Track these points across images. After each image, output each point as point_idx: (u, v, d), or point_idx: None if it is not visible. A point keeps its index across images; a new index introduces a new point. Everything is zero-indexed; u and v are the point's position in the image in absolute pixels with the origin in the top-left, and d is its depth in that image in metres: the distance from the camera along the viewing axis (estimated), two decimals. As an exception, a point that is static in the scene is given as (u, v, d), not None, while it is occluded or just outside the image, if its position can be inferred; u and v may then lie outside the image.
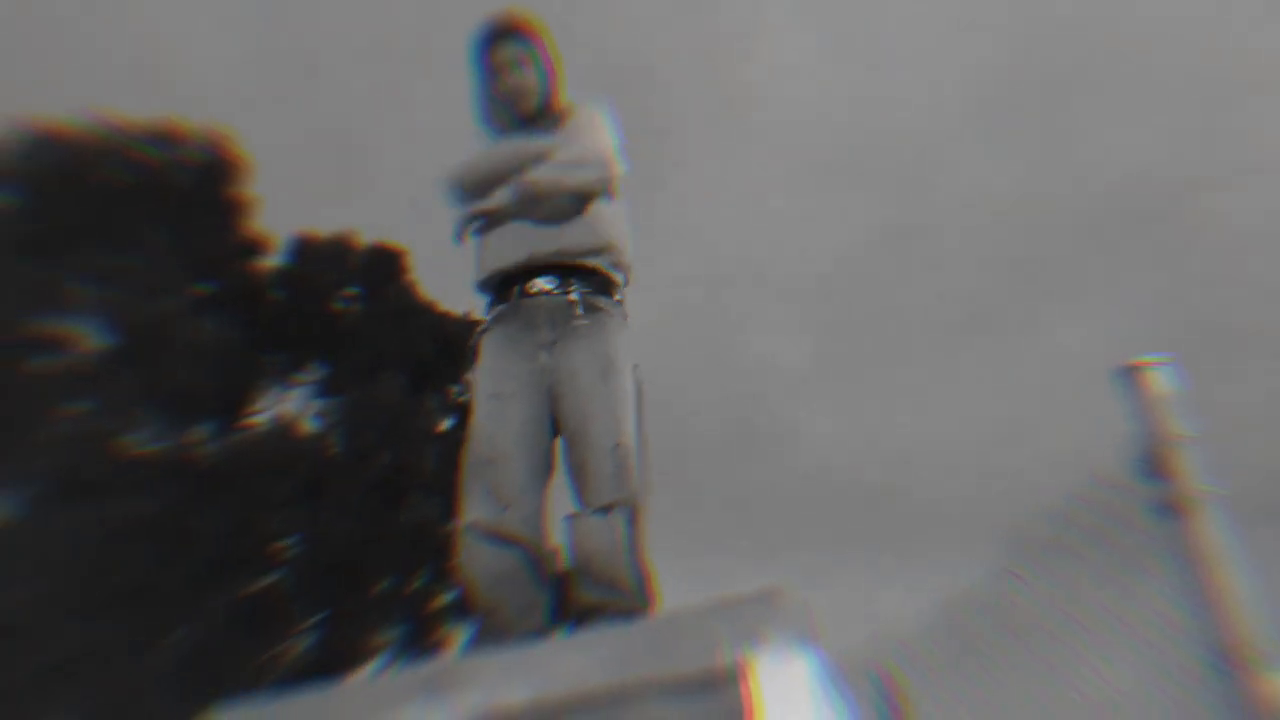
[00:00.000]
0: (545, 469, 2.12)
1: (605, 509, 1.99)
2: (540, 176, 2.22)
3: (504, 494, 2.02)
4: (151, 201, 12.15)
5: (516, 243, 2.24)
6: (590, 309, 2.19)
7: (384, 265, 13.64)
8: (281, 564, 12.23)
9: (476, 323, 2.33)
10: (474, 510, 2.03)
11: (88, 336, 11.82)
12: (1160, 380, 1.71)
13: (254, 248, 13.14)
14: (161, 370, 11.76)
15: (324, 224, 13.83)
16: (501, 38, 2.38)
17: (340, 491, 12.34)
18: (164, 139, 12.59)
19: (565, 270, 2.21)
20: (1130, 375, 1.77)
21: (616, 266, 2.29)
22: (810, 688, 1.12)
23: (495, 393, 2.13)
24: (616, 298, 2.27)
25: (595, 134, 2.32)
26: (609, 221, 2.29)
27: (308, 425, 13.07)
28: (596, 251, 2.26)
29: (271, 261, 13.37)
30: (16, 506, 10.85)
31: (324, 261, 13.47)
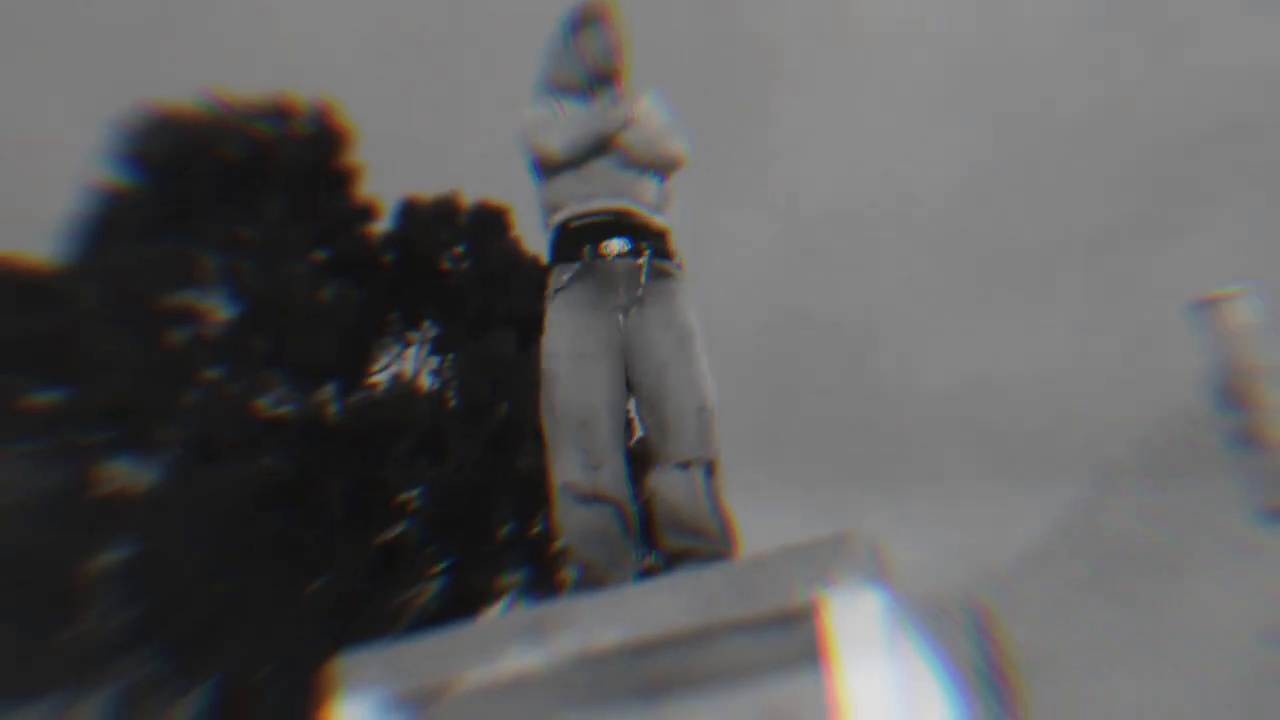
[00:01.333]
0: (626, 427, 2.18)
1: (685, 464, 2.06)
2: (634, 137, 2.28)
3: (595, 454, 2.08)
4: (268, 175, 12.65)
5: (585, 195, 2.27)
6: (661, 274, 2.22)
7: (488, 223, 13.86)
8: (408, 515, 12.72)
9: None
10: (568, 471, 2.09)
11: (218, 307, 12.47)
12: (1240, 312, 1.70)
13: (365, 213, 13.49)
14: (287, 335, 12.35)
15: (429, 186, 13.88)
16: (601, 9, 2.46)
17: (459, 443, 12.77)
18: (276, 114, 13.03)
19: (636, 230, 2.24)
20: (1209, 308, 1.75)
21: (673, 227, 2.34)
22: (881, 624, 1.18)
23: (580, 352, 2.14)
24: (678, 262, 2.29)
25: (668, 119, 2.38)
26: (669, 194, 2.35)
27: (425, 382, 13.47)
28: (661, 213, 2.30)
29: (382, 226, 13.73)
30: (161, 469, 11.55)
31: (431, 223, 13.73)
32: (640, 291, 2.16)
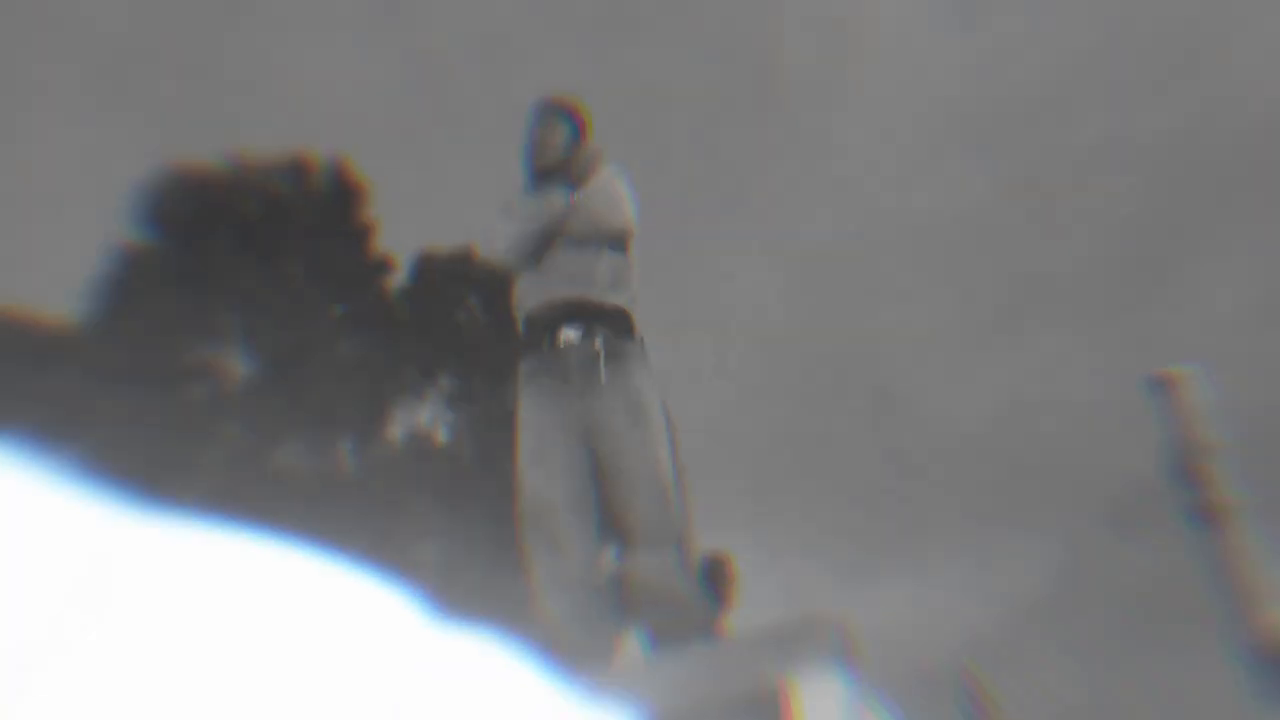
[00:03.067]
0: (593, 511, 2.21)
1: (653, 543, 2.11)
2: (576, 220, 2.38)
3: (560, 543, 2.14)
4: (286, 232, 12.74)
5: (542, 287, 2.37)
6: (614, 355, 2.28)
7: (504, 276, 13.80)
8: (424, 568, 12.28)
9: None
10: (537, 563, 2.16)
11: (236, 363, 12.49)
12: (1192, 390, 1.67)
13: (381, 268, 13.60)
14: (304, 390, 12.33)
15: (445, 239, 13.92)
16: (542, 108, 2.59)
17: (474, 496, 12.54)
18: (293, 172, 13.16)
19: (588, 314, 2.31)
20: (1163, 384, 1.70)
21: (631, 303, 2.40)
22: (846, 707, 1.21)
23: (540, 445, 2.23)
24: (637, 335, 2.36)
25: (613, 193, 2.45)
26: (622, 268, 2.41)
27: (441, 435, 13.45)
28: (613, 292, 2.37)
29: (398, 280, 13.82)
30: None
31: (446, 276, 13.80)
32: (594, 375, 2.23)
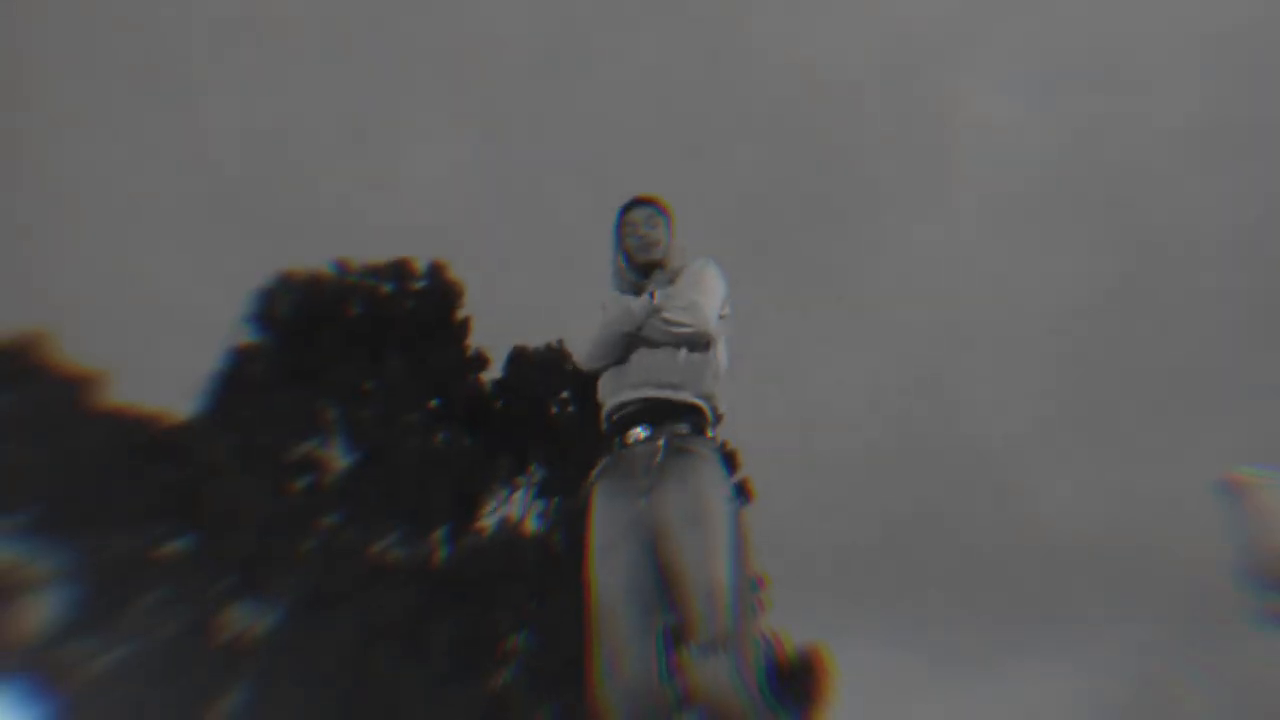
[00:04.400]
0: (655, 610, 2.19)
1: (710, 646, 2.06)
2: (653, 323, 2.38)
3: (617, 642, 2.14)
4: (387, 330, 13.20)
5: (619, 385, 2.38)
6: (679, 452, 2.27)
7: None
8: (516, 660, 12.53)
9: None
10: (598, 660, 2.16)
11: (337, 456, 12.83)
12: (1269, 494, 1.54)
13: (476, 362, 13.91)
14: (401, 481, 12.51)
15: (537, 336, 14.20)
16: (638, 205, 2.61)
17: (565, 588, 12.23)
18: (395, 274, 13.72)
19: (660, 412, 2.32)
20: (1237, 487, 1.59)
21: (706, 401, 2.37)
22: None
23: (604, 544, 2.24)
24: (709, 434, 2.34)
25: (701, 290, 2.45)
26: (700, 365, 2.39)
27: (532, 525, 13.46)
28: (687, 390, 2.36)
29: (492, 374, 14.11)
30: (279, 614, 11.64)
31: (538, 370, 14.00)
32: (662, 473, 2.23)
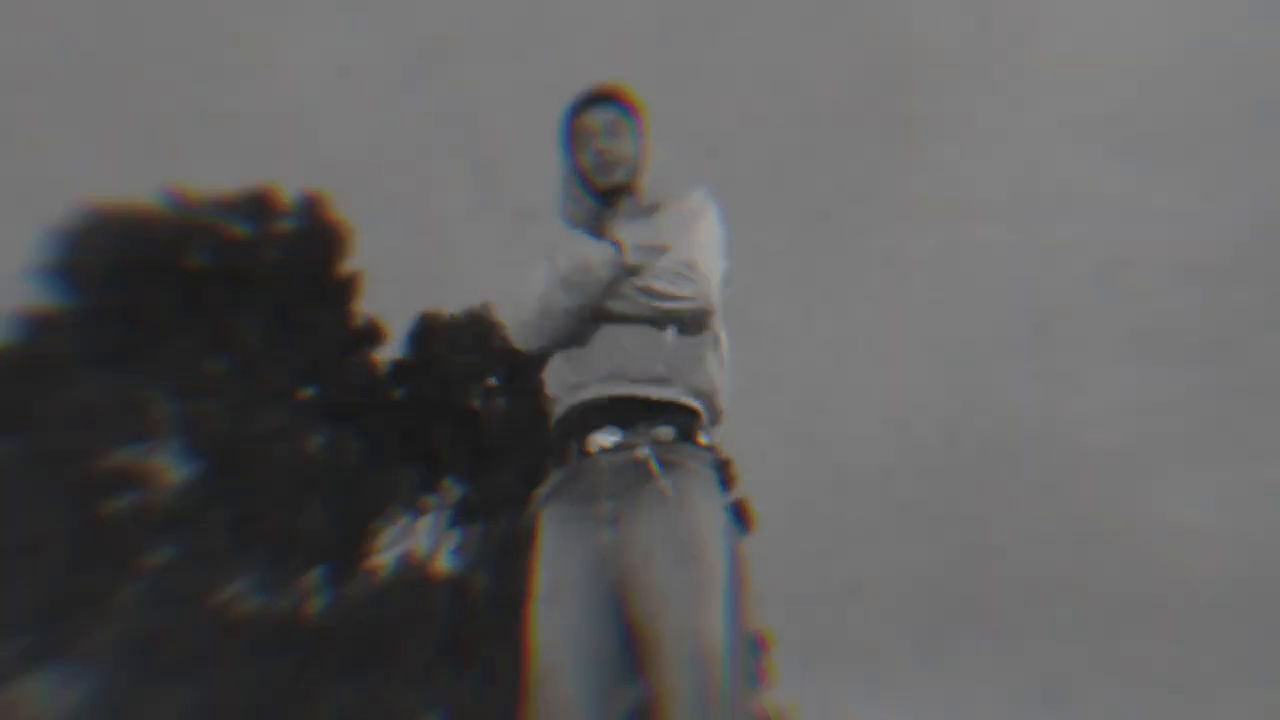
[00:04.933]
0: (617, 680, 2.18)
1: None
2: (621, 296, 2.33)
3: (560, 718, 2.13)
4: (240, 289, 12.73)
5: (576, 374, 2.36)
6: (666, 466, 2.24)
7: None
8: None
9: None
10: None
11: (170, 466, 12.34)
12: None
13: (366, 336, 13.57)
14: (261, 502, 12.14)
15: (451, 300, 13.95)
16: (595, 104, 2.55)
17: (492, 651, 12.29)
18: (252, 210, 13.23)
19: (632, 414, 2.30)
20: None
21: (701, 399, 2.36)
22: None
23: (551, 591, 2.22)
24: (703, 442, 2.31)
25: (699, 242, 2.41)
26: (695, 349, 2.37)
27: (444, 564, 13.36)
28: (676, 384, 2.33)
29: (389, 352, 13.84)
30: (94, 686, 11.31)
31: (455, 346, 13.79)
32: (638, 495, 2.21)
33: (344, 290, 13.48)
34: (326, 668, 11.84)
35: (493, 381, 14.12)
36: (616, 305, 2.34)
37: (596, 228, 2.49)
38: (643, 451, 2.25)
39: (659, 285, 2.33)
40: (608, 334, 2.36)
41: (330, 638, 12.14)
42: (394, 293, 14.03)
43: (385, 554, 13.30)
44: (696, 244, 2.40)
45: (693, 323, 2.36)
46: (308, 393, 13.05)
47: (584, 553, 2.23)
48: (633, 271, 2.34)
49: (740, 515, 2.33)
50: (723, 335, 2.45)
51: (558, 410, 2.40)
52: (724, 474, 2.32)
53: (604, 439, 2.28)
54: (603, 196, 2.52)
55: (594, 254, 2.36)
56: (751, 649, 2.26)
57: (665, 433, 2.28)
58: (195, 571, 11.90)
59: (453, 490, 13.79)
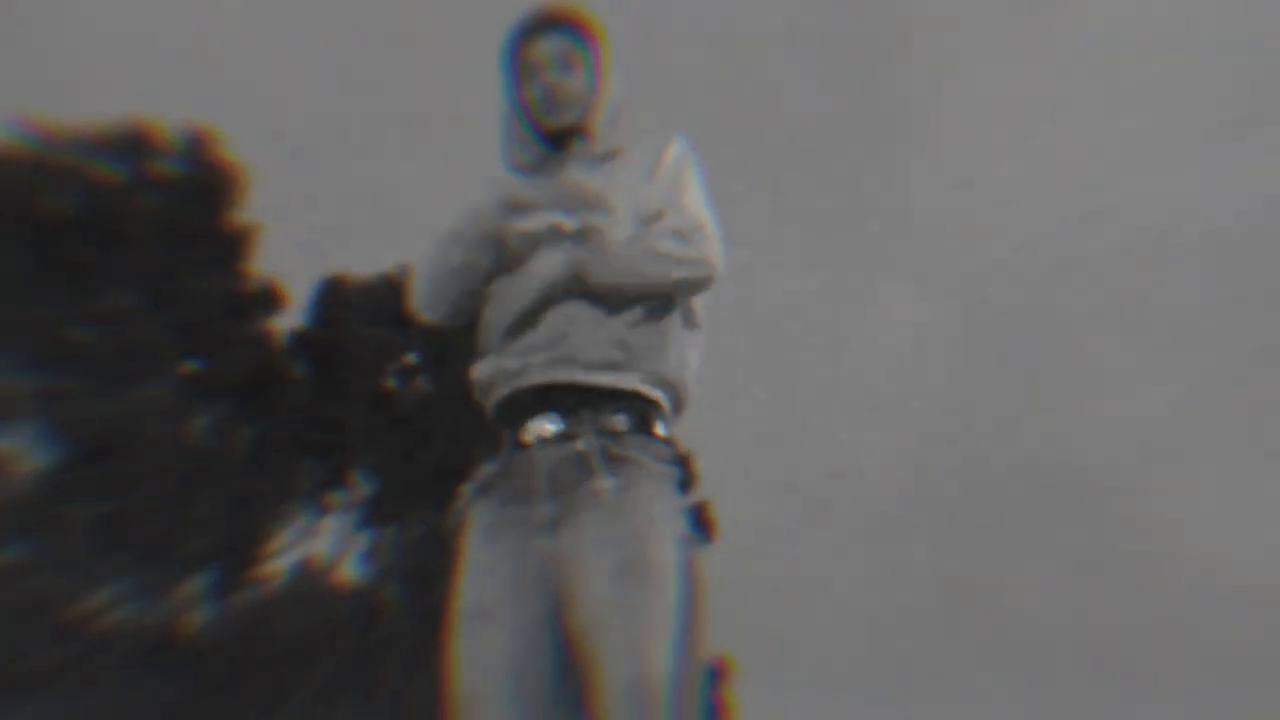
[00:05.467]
0: (554, 715, 2.21)
1: None
2: (621, 252, 2.33)
3: None
4: (110, 241, 12.52)
5: (515, 354, 2.35)
6: (615, 462, 2.25)
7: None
8: None
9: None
10: None
11: (26, 451, 12.23)
12: None
13: (262, 300, 13.45)
14: (133, 496, 12.03)
15: (363, 262, 13.90)
16: (544, 30, 2.54)
17: (407, 676, 12.52)
18: (126, 148, 13.06)
19: (577, 401, 2.29)
20: None
21: (663, 388, 2.36)
22: None
23: (476, 606, 2.24)
24: (660, 435, 2.33)
25: (692, 204, 2.42)
26: (658, 327, 2.38)
27: (350, 571, 13.43)
28: (634, 370, 2.33)
29: (289, 320, 13.76)
30: None
31: (367, 316, 13.72)
32: (580, 495, 2.22)
33: (236, 246, 13.34)
34: (208, 692, 11.89)
35: (412, 359, 14.15)
36: (596, 273, 2.32)
37: (542, 174, 2.49)
38: (585, 443, 2.25)
39: (665, 246, 2.33)
40: (557, 313, 2.33)
41: (213, 657, 12.17)
42: (297, 251, 13.56)
43: (281, 559, 13.36)
44: (694, 202, 2.42)
45: (690, 291, 2.38)
46: (190, 367, 12.97)
47: (516, 563, 2.24)
48: (588, 238, 2.33)
49: (700, 521, 2.35)
50: (699, 312, 2.46)
51: (490, 394, 2.39)
52: (685, 472, 2.32)
53: (543, 428, 2.28)
54: (551, 139, 2.51)
55: (488, 199, 2.40)
56: (707, 679, 2.30)
57: (617, 422, 2.29)
58: (53, 575, 11.83)
59: (362, 486, 13.85)
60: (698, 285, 2.37)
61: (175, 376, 12.70)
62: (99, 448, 12.07)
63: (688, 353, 2.42)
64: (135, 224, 12.72)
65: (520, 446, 2.29)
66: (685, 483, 2.32)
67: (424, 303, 2.44)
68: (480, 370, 2.42)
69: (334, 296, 13.79)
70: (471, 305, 2.42)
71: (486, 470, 2.34)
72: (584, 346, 2.32)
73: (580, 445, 2.25)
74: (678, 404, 2.40)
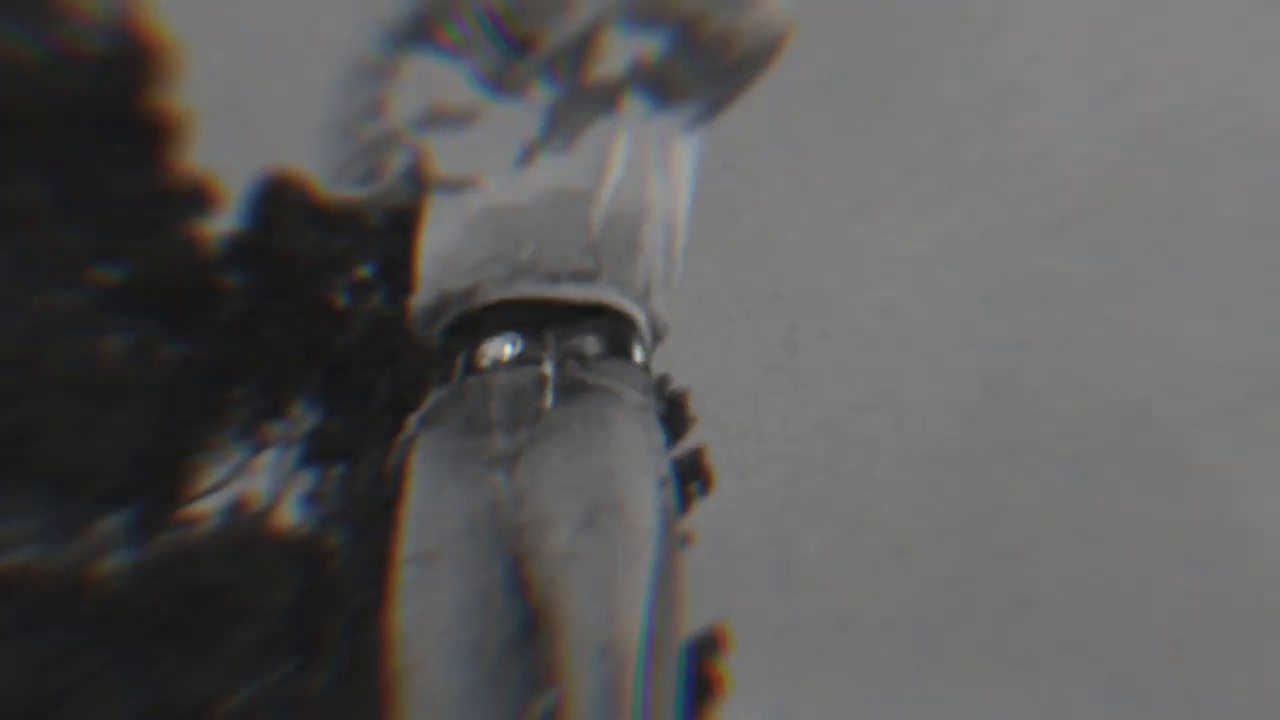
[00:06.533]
0: (515, 677, 2.20)
1: None
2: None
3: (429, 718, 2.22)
4: (16, 127, 12.21)
5: (464, 258, 2.43)
6: (576, 389, 2.28)
7: (416, 225, 13.80)
8: None
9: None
10: None
11: None
12: None
13: (192, 201, 13.16)
14: (39, 422, 11.90)
15: (310, 157, 13.57)
16: None
17: (348, 623, 12.53)
18: (37, 19, 12.67)
19: (537, 318, 2.34)
20: None
21: (640, 302, 2.38)
22: None
23: (421, 550, 2.27)
24: (636, 358, 2.37)
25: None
26: (629, 228, 2.40)
27: (289, 514, 13.34)
28: (603, 277, 2.35)
29: (223, 223, 13.49)
30: None
31: (316, 221, 13.51)
32: (541, 428, 2.26)
33: (162, 135, 13.04)
34: (123, 650, 11.78)
35: (365, 272, 14.00)
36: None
37: (498, 84, 2.60)
38: (547, 368, 2.27)
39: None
40: (500, 210, 2.40)
41: (129, 609, 12.01)
42: (234, 141, 13.56)
43: (209, 499, 13.25)
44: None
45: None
46: (107, 275, 12.75)
47: (468, 502, 2.25)
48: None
49: (694, 469, 2.35)
50: (678, 205, 2.46)
51: (435, 308, 2.44)
52: (672, 409, 2.07)
53: (502, 347, 2.31)
54: (515, 43, 2.57)
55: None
56: (687, 649, 2.27)
57: (584, 344, 2.30)
58: None
59: (305, 417, 13.78)
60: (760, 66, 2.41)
61: (89, 286, 12.53)
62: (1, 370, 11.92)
63: (669, 260, 2.43)
64: (45, 108, 12.46)
65: (473, 371, 2.32)
66: (673, 421, 2.12)
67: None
68: (424, 290, 2.48)
69: (276, 196, 13.51)
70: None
71: (434, 398, 2.38)
72: (543, 252, 2.35)
73: (544, 369, 2.27)
74: (657, 323, 2.40)
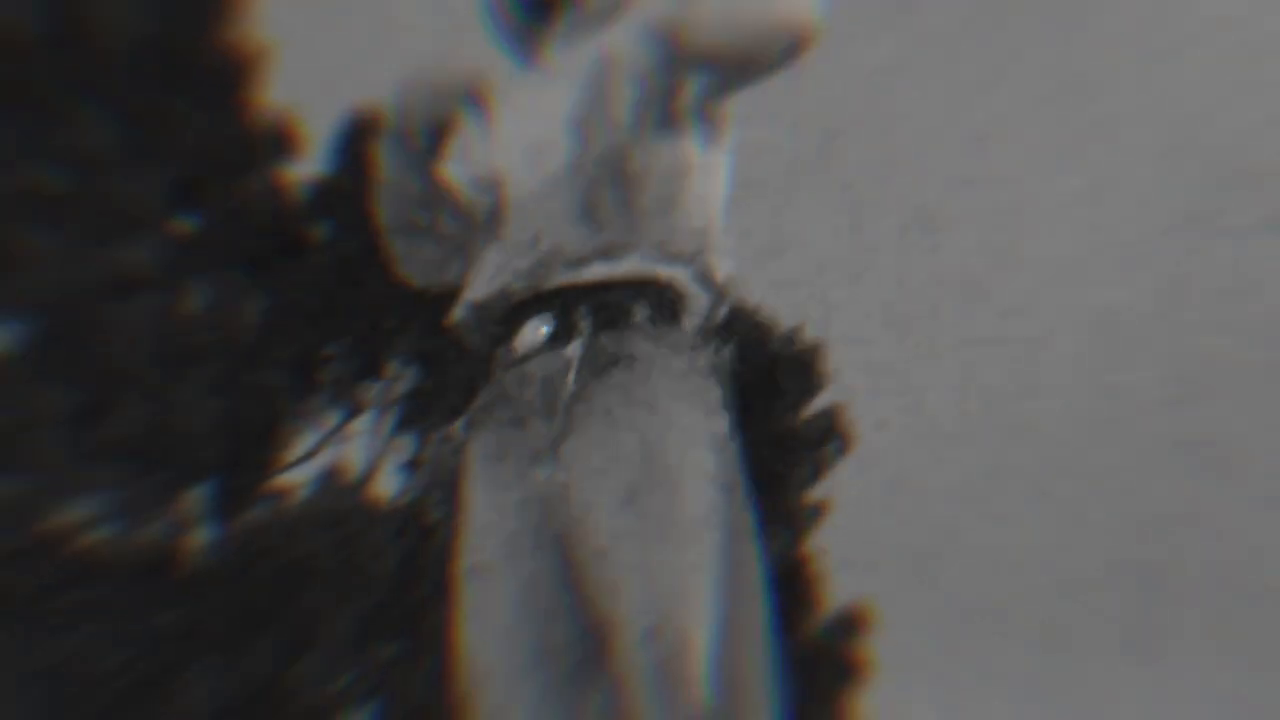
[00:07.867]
0: (570, 672, 2.12)
1: None
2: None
3: None
4: (83, 64, 12.10)
5: (506, 249, 2.32)
6: (612, 366, 2.16)
7: None
8: None
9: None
10: None
11: None
12: None
13: (271, 144, 13.00)
14: (114, 386, 11.90)
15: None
16: None
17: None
18: None
19: (571, 296, 2.21)
20: None
21: (685, 263, 2.24)
22: None
23: (475, 565, 2.20)
24: (683, 322, 2.26)
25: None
26: (668, 184, 2.23)
27: (387, 484, 13.37)
28: (638, 245, 2.21)
29: (307, 169, 13.37)
30: None
31: (406, 160, 13.24)
32: (578, 410, 2.15)
33: (239, 74, 12.82)
34: (209, 632, 11.90)
35: None
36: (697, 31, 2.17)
37: (522, 44, 2.33)
38: (576, 348, 2.14)
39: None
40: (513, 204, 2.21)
41: (215, 589, 12.14)
42: (318, 80, 12.82)
43: (299, 469, 13.31)
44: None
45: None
46: (184, 225, 12.62)
47: (518, 503, 2.13)
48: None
49: (827, 431, 1.98)
50: (718, 163, 2.26)
51: (469, 303, 2.31)
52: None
53: (532, 337, 2.18)
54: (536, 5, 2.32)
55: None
56: (831, 628, 1.48)
57: (623, 317, 2.16)
58: (16, 487, 11.81)
59: (402, 377, 13.72)
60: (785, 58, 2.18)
61: (164, 238, 12.41)
62: (69, 327, 11.89)
63: (709, 216, 2.24)
64: (113, 43, 12.25)
65: (509, 365, 2.22)
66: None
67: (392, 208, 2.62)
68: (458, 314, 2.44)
69: (363, 138, 12.67)
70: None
71: (480, 400, 2.29)
72: (567, 237, 2.20)
73: (573, 350, 2.16)
74: (712, 283, 2.22)
